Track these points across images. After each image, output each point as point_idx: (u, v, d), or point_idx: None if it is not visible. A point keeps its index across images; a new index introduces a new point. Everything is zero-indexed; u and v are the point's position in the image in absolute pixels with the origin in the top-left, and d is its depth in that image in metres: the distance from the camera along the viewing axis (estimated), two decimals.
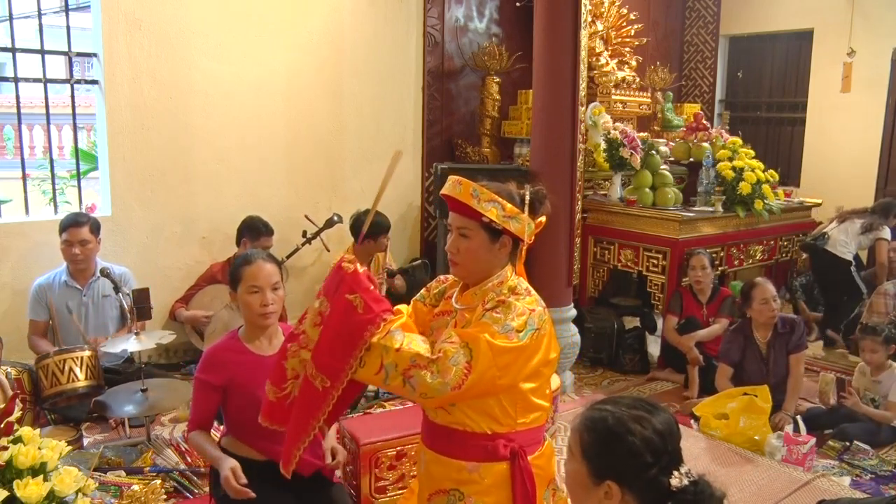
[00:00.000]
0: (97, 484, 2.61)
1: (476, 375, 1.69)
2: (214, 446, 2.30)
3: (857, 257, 6.14)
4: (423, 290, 2.14)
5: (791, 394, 3.84)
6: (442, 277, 2.13)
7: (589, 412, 1.37)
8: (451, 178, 1.88)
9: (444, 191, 1.89)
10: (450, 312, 1.97)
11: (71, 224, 3.78)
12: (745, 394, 3.77)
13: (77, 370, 3.40)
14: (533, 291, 1.89)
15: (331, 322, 1.75)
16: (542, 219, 1.94)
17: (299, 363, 1.82)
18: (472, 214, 1.83)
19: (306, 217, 4.75)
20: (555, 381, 3.45)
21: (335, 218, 4.76)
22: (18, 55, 4.05)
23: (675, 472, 1.27)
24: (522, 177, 4.17)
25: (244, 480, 2.12)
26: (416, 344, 1.73)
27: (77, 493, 1.84)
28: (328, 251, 4.87)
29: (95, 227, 3.86)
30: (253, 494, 2.11)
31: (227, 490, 2.12)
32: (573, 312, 4.30)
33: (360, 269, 1.78)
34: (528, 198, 1.88)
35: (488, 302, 1.83)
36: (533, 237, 1.92)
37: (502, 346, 1.72)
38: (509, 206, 1.83)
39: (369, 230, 4.61)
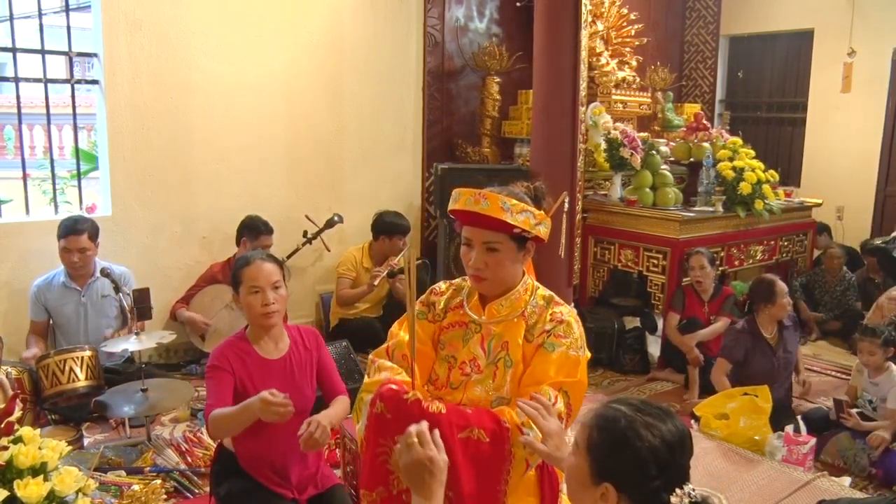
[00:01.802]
0: (97, 484, 2.60)
1: (576, 412, 1.79)
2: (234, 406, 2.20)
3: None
4: (420, 307, 1.99)
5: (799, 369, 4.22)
6: (436, 289, 2.03)
7: (603, 409, 1.34)
8: (467, 193, 1.79)
9: (462, 206, 1.79)
10: (464, 324, 1.89)
11: (70, 232, 3.75)
12: (746, 394, 3.77)
13: (77, 370, 3.41)
14: (559, 298, 1.92)
15: (457, 467, 1.61)
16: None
17: None
18: (503, 228, 1.77)
19: (307, 217, 4.75)
20: None
21: (335, 218, 4.76)
22: (19, 55, 4.05)
23: (678, 491, 1.23)
24: (522, 177, 4.18)
25: (281, 398, 2.03)
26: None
27: (77, 493, 1.83)
28: (329, 251, 4.87)
29: (94, 233, 3.84)
30: (290, 407, 2.04)
31: (269, 415, 2.01)
32: None
33: (426, 398, 1.71)
34: (551, 201, 1.89)
35: (535, 317, 1.84)
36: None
37: (584, 368, 1.81)
38: (538, 212, 1.81)
39: (386, 228, 4.65)
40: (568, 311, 1.86)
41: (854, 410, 3.70)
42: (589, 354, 1.87)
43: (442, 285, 2.03)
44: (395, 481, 1.71)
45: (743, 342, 3.96)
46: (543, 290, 1.92)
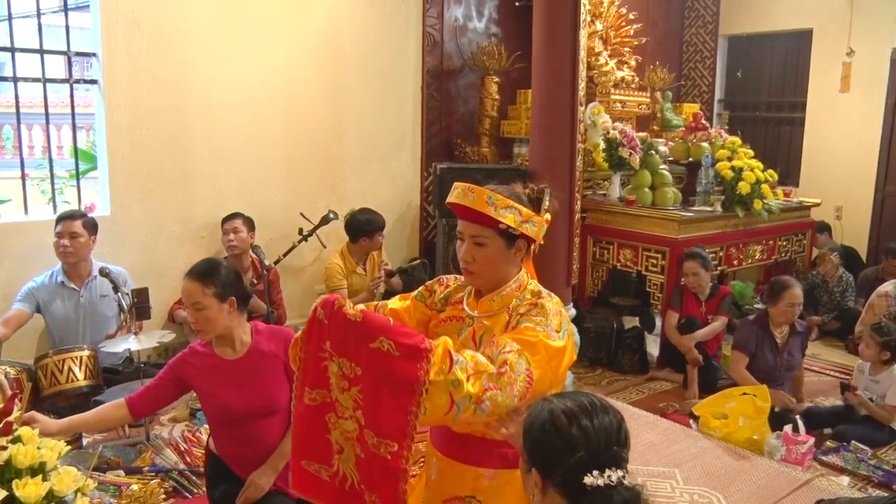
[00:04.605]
0: (96, 483, 2.60)
1: (536, 382, 1.61)
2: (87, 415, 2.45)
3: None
4: (421, 289, 2.02)
5: (799, 387, 4.18)
6: (443, 280, 2.04)
7: (537, 402, 1.39)
8: (460, 186, 1.81)
9: (453, 199, 1.81)
10: (461, 319, 1.90)
11: (64, 217, 3.80)
12: (745, 394, 3.78)
13: (76, 370, 3.41)
14: (551, 293, 1.88)
15: (368, 381, 1.55)
16: (548, 216, 1.90)
17: (341, 435, 1.65)
18: (488, 223, 1.77)
19: (302, 215, 4.74)
20: None
21: (331, 215, 4.75)
22: (18, 55, 4.04)
23: (594, 472, 1.25)
24: (521, 177, 4.18)
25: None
26: (480, 363, 1.57)
27: (76, 492, 1.83)
28: (325, 248, 4.87)
29: (90, 225, 3.85)
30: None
31: None
32: (572, 312, 4.29)
33: (349, 305, 1.61)
34: (546, 200, 1.85)
35: (519, 307, 1.80)
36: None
37: (555, 347, 1.69)
38: (525, 210, 1.79)
39: (365, 227, 4.67)
40: (550, 301, 1.81)
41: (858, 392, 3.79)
42: (564, 344, 1.73)
43: (451, 278, 2.03)
44: (333, 385, 1.64)
45: (754, 333, 4.01)
46: (535, 287, 1.89)
